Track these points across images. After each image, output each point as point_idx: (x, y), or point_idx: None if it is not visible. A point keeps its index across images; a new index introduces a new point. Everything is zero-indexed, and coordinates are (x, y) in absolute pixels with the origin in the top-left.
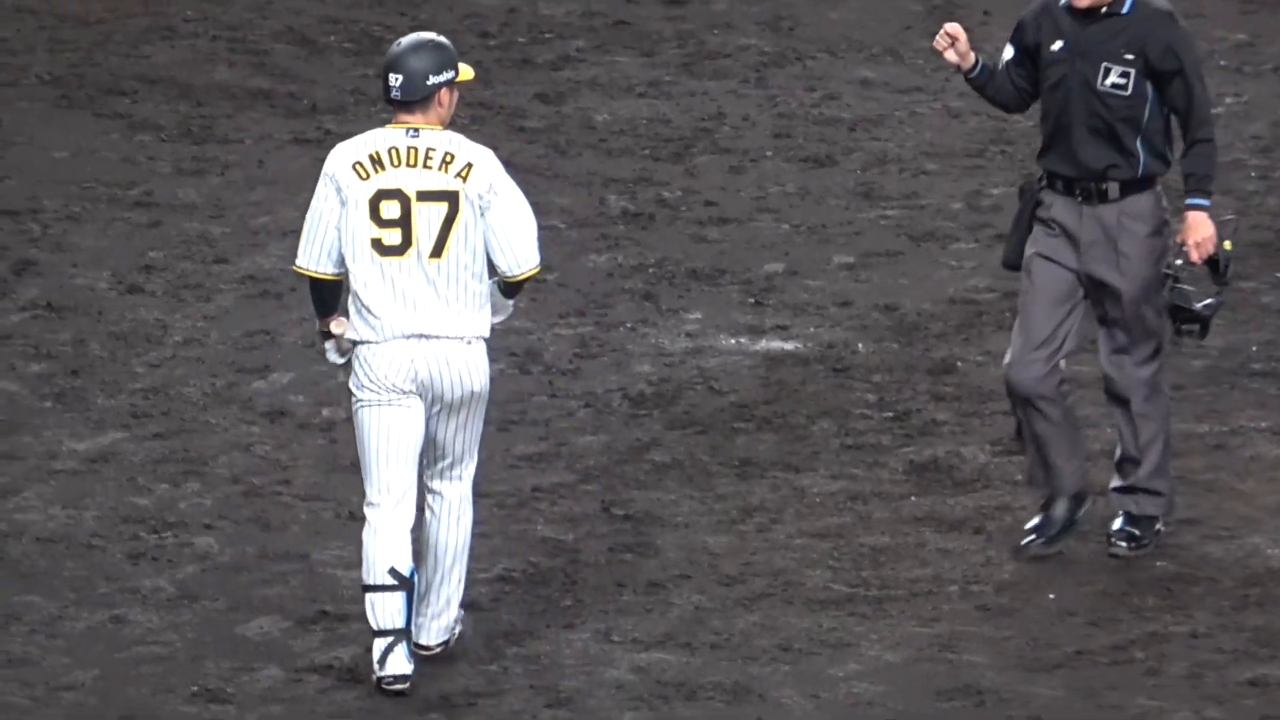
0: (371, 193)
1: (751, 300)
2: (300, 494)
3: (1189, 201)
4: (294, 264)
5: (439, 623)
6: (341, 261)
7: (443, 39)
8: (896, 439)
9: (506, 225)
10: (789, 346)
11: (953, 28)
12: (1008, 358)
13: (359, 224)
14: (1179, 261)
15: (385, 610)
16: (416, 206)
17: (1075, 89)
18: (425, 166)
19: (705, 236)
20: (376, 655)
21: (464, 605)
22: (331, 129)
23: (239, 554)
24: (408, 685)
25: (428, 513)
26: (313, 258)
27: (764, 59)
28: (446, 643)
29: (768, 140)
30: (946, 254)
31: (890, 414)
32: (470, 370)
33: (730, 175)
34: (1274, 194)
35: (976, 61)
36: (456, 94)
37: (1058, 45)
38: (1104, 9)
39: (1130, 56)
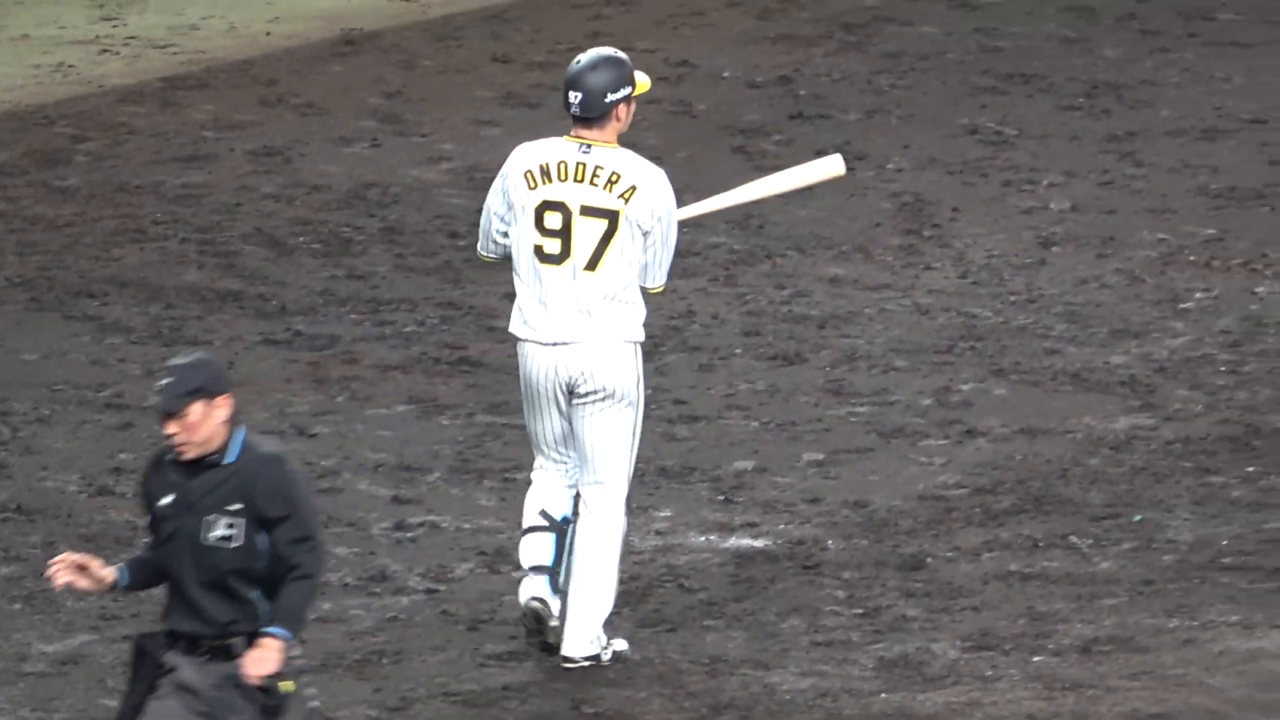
0: (538, 202)
1: (721, 498)
2: None
3: (268, 630)
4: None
5: (580, 632)
6: (506, 249)
7: (620, 54)
8: (866, 635)
9: (657, 249)
10: (759, 544)
11: (78, 558)
12: None
13: (525, 229)
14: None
15: (532, 548)
16: (577, 220)
17: (184, 543)
18: (591, 183)
19: (675, 434)
20: (521, 589)
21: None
22: (301, 329)
23: None
24: (544, 606)
25: (578, 519)
26: (483, 245)
27: (733, 257)
28: (596, 658)
29: (737, 338)
30: (916, 450)
31: (860, 610)
32: (608, 370)
33: (700, 373)
34: (1244, 388)
35: (118, 578)
36: (634, 106)
37: (167, 500)
38: (209, 459)
39: (236, 507)
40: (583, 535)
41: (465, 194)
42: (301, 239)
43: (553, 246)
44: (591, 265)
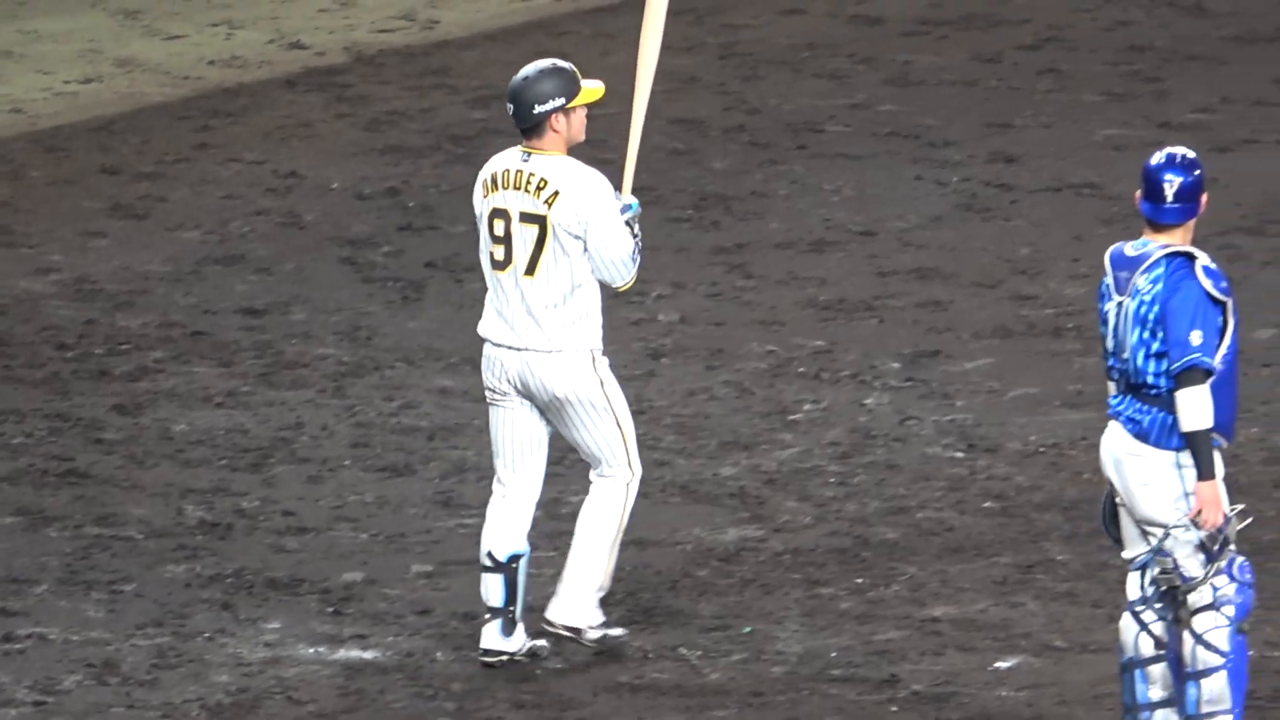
0: (489, 210)
1: (330, 609)
2: None
3: None
4: None
5: (564, 601)
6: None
7: (561, 64)
8: None
9: (599, 251)
10: (368, 655)
11: None
12: None
13: (483, 236)
14: None
15: (486, 588)
16: (516, 227)
17: None
18: (525, 190)
19: (284, 546)
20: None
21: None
22: None
23: None
24: (498, 660)
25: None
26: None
27: (342, 368)
28: (578, 631)
29: (346, 449)
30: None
31: None
32: (560, 378)
33: (309, 484)
34: (853, 500)
35: None
36: (578, 114)
37: None
38: None
39: None
40: (583, 514)
41: (73, 305)
42: None
43: (500, 253)
44: (529, 271)
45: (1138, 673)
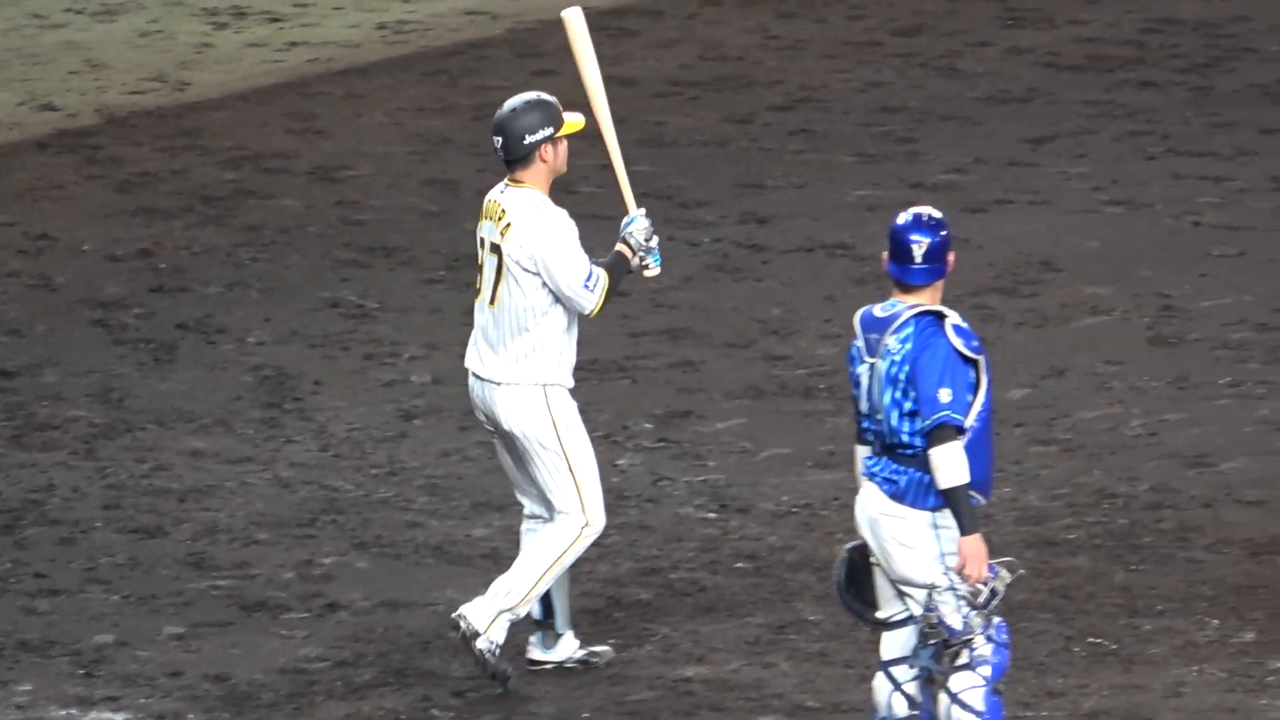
0: (478, 239)
1: (82, 671)
2: None
3: None
4: None
5: (482, 604)
6: None
7: (545, 97)
8: None
9: (553, 284)
10: (119, 717)
11: None
12: None
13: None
14: None
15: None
16: (487, 257)
17: None
18: (494, 220)
19: (35, 608)
20: None
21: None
22: None
23: None
24: (539, 668)
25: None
26: None
27: (94, 430)
28: (475, 636)
29: (97, 511)
30: (277, 624)
31: None
32: (511, 411)
33: (60, 547)
34: (605, 560)
35: None
36: (563, 144)
37: None
38: None
39: None
40: (528, 540)
41: None
42: None
43: (477, 282)
44: (492, 300)
45: None
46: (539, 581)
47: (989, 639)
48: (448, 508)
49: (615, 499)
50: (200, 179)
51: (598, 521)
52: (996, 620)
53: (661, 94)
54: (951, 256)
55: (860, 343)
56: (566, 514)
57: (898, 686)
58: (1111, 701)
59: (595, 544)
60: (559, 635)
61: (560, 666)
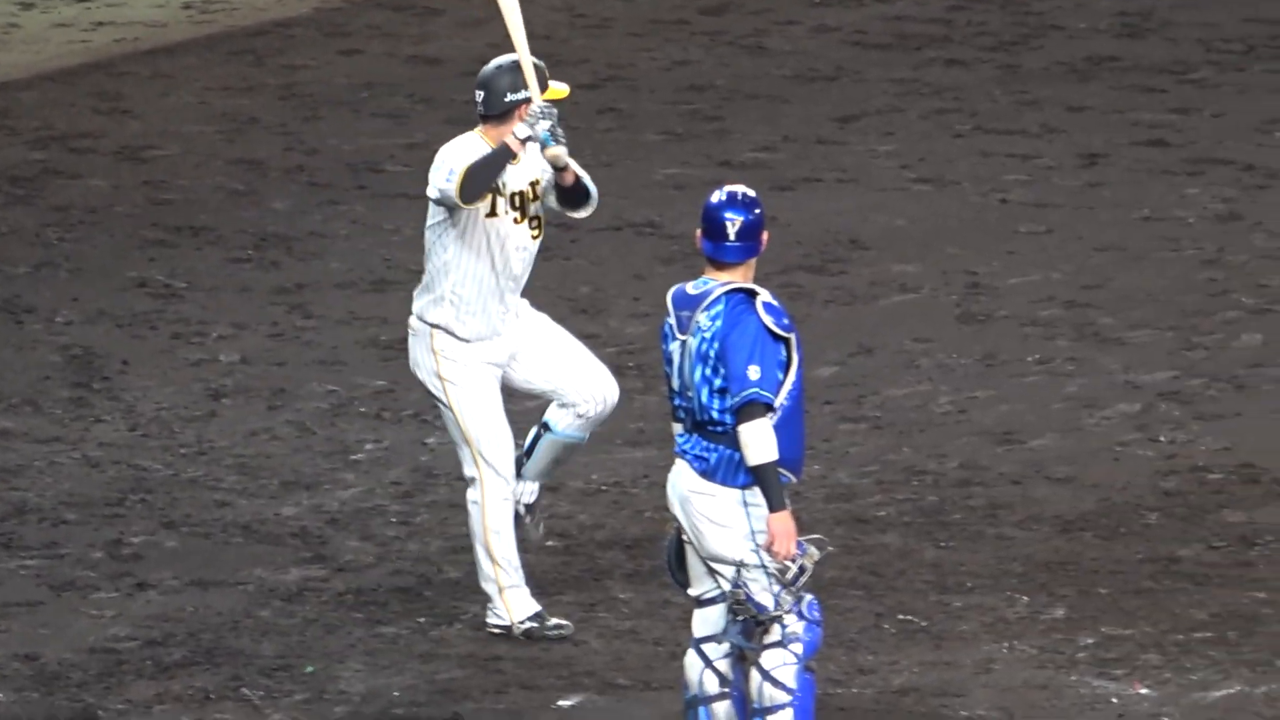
0: None
1: None
2: None
3: None
4: None
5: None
6: None
7: (536, 61)
8: None
9: (429, 192)
10: None
11: None
12: None
13: None
14: None
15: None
16: None
17: None
18: None
19: None
20: None
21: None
22: None
23: None
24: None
25: None
26: None
27: None
28: (509, 627)
29: None
30: (87, 603)
31: None
32: (411, 351)
33: None
34: (415, 539)
35: None
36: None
37: None
38: None
39: None
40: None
41: None
42: None
43: None
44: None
45: (702, 710)
46: (491, 556)
47: (801, 616)
48: (256, 486)
49: (425, 477)
50: (7, 159)
51: (490, 477)
52: (808, 598)
53: (469, 73)
54: (765, 235)
55: (672, 320)
56: (471, 478)
57: (709, 664)
58: (922, 678)
59: (404, 522)
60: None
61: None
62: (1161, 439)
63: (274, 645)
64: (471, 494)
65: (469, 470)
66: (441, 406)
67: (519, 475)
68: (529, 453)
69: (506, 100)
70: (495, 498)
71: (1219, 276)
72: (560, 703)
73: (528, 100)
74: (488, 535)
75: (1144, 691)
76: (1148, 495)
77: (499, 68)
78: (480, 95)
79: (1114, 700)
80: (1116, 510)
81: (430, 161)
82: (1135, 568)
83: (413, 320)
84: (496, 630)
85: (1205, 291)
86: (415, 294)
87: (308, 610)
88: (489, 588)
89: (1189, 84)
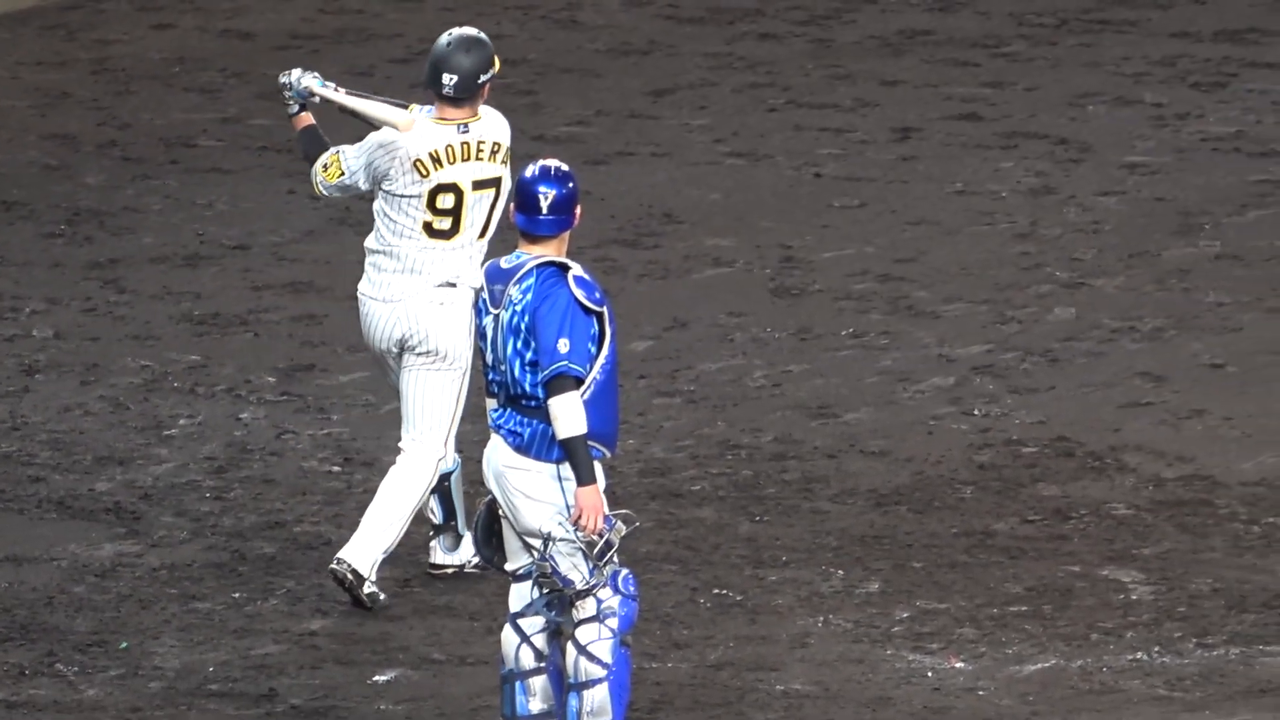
0: (432, 186)
1: None
2: None
3: None
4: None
5: (357, 548)
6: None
7: (482, 35)
8: None
9: None
10: None
11: None
12: None
13: (415, 210)
14: None
15: (427, 509)
16: (470, 197)
17: None
18: (478, 159)
19: None
20: None
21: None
22: None
23: None
24: (442, 572)
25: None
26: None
27: None
28: (357, 579)
29: None
30: None
31: None
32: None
33: None
34: (229, 514)
35: None
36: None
37: None
38: None
39: None
40: (391, 473)
41: None
42: None
43: (443, 224)
44: (483, 234)
45: (518, 684)
46: (406, 521)
47: (616, 590)
48: (70, 462)
49: (239, 453)
50: None
51: (447, 452)
52: (624, 572)
53: (282, 47)
54: (579, 209)
55: (486, 295)
56: (424, 450)
57: (526, 639)
58: (737, 652)
59: (218, 497)
60: (460, 537)
61: (461, 571)
62: (976, 413)
63: (88, 621)
64: (420, 464)
65: (429, 440)
66: (452, 372)
67: (458, 540)
68: (451, 512)
69: (480, 81)
70: (436, 471)
71: (1032, 250)
72: (376, 678)
73: (491, 78)
74: (419, 502)
75: (960, 665)
76: (962, 469)
77: (467, 50)
78: (450, 79)
79: (930, 674)
80: (931, 484)
81: (243, 135)
82: (950, 542)
83: (440, 290)
84: (450, 570)
85: (1018, 265)
86: (430, 263)
87: (122, 586)
88: (376, 554)
89: (1002, 58)
